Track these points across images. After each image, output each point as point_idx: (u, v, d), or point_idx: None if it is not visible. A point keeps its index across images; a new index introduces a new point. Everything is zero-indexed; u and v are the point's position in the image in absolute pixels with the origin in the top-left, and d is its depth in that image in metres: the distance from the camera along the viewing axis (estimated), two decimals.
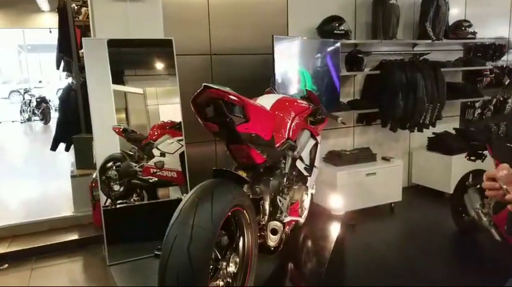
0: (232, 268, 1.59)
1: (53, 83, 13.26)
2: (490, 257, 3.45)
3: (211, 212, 1.42)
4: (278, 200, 1.95)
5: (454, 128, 4.74)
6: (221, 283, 1.60)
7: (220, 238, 1.62)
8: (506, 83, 5.19)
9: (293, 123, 2.21)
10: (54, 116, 12.00)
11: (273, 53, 3.25)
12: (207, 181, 1.61)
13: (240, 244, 1.74)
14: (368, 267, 3.23)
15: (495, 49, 5.12)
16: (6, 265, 3.38)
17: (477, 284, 2.91)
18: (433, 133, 4.81)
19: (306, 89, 2.82)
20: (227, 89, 1.58)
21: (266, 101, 2.16)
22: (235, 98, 1.59)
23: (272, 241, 1.89)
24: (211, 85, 1.53)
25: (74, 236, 3.77)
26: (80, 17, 4.97)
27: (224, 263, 1.57)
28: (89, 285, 3.09)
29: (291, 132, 2.17)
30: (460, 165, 4.21)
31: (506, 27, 5.45)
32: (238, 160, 1.90)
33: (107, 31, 3.43)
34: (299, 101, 2.49)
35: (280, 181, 2.03)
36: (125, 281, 2.99)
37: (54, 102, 13.11)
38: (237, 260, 1.64)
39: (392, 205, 4.41)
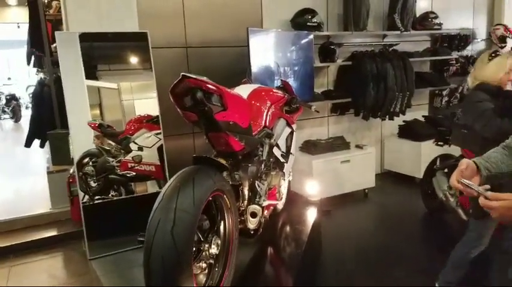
0: (214, 250, 1.66)
1: (22, 80, 12.89)
2: (457, 235, 3.63)
3: (193, 196, 1.47)
4: (257, 186, 2.03)
5: (423, 116, 4.96)
6: (204, 265, 1.67)
7: (202, 222, 1.68)
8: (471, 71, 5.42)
9: (269, 112, 2.29)
10: (25, 114, 11.71)
11: (248, 45, 3.31)
12: (188, 167, 1.66)
13: (221, 227, 1.80)
14: (343, 248, 3.39)
15: (460, 39, 5.35)
16: None
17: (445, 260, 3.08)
18: (404, 121, 5.00)
19: (281, 80, 2.90)
20: (205, 79, 1.63)
21: (243, 91, 2.22)
22: (213, 87, 1.64)
23: (252, 223, 1.96)
24: (189, 75, 1.58)
25: (52, 233, 3.75)
26: (51, 11, 4.89)
27: (206, 245, 1.64)
28: (71, 279, 3.10)
29: (267, 121, 2.25)
30: (429, 150, 4.40)
31: (470, 18, 5.68)
32: (217, 147, 1.95)
33: (79, 25, 3.41)
34: (274, 90, 2.57)
35: (258, 167, 2.10)
36: (107, 274, 3.02)
37: (24, 99, 12.77)
38: (219, 242, 1.71)
39: (366, 190, 4.59)
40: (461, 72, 5.47)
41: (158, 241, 1.39)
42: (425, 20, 5.00)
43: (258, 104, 2.23)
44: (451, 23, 5.40)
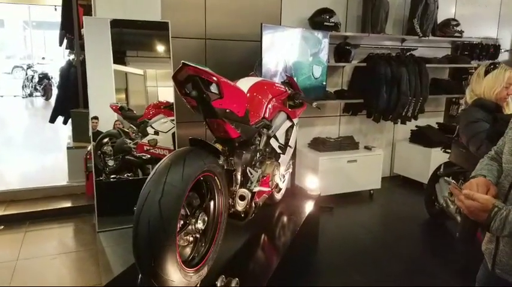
0: (200, 225, 1.81)
1: (56, 60, 13.41)
2: (454, 241, 3.69)
3: (182, 173, 1.62)
4: (248, 172, 2.16)
5: (437, 123, 4.97)
6: (190, 239, 1.83)
7: (192, 199, 1.83)
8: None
9: (269, 105, 2.41)
10: (56, 92, 12.15)
11: (260, 40, 3.43)
12: (182, 147, 1.82)
13: (211, 206, 1.95)
14: (337, 242, 3.53)
15: (482, 48, 5.30)
16: (2, 227, 3.63)
17: (439, 266, 3.16)
18: (416, 126, 5.02)
19: (286, 75, 3.02)
20: (204, 68, 1.77)
21: (246, 82, 2.36)
22: (210, 76, 1.78)
23: (240, 206, 2.10)
24: (189, 63, 1.72)
25: (67, 204, 4.01)
26: None
27: (193, 220, 1.79)
28: (78, 248, 3.32)
29: (267, 113, 2.37)
30: (438, 157, 4.41)
31: (494, 28, 5.62)
32: (215, 133, 2.10)
33: (106, 11, 3.60)
34: (277, 84, 2.69)
35: (253, 155, 2.24)
36: (112, 245, 3.24)
37: (57, 79, 13.27)
38: (205, 218, 1.85)
39: (372, 191, 4.65)
40: None
41: (146, 209, 1.55)
42: (447, 27, 4.98)
43: (259, 97, 2.35)
44: (474, 31, 5.36)
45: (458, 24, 5.02)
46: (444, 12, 5.09)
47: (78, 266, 3.04)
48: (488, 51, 5.33)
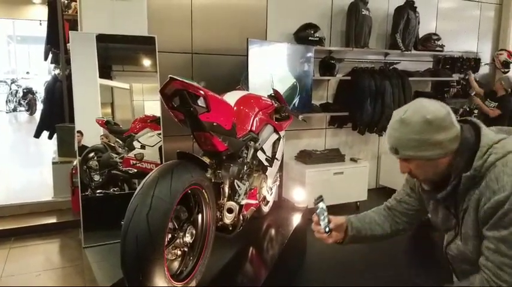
0: (188, 239, 1.81)
1: (41, 75, 13.29)
2: (437, 250, 3.73)
3: (170, 186, 1.63)
4: (236, 185, 2.18)
5: None
6: (178, 252, 1.83)
7: (180, 213, 1.84)
8: (472, 94, 5.51)
9: (256, 118, 2.45)
10: (40, 107, 12.01)
11: (247, 55, 3.48)
12: (170, 161, 1.83)
13: (199, 219, 1.95)
14: (327, 255, 3.49)
15: (463, 62, 5.45)
16: None
17: (426, 274, 3.19)
18: None
19: (273, 89, 3.06)
20: (191, 82, 1.80)
21: (232, 96, 2.40)
22: (197, 89, 1.81)
23: (228, 219, 2.11)
24: (176, 77, 1.75)
25: (52, 220, 3.94)
26: (70, 11, 5.14)
27: (181, 234, 1.79)
28: (64, 264, 3.27)
29: (254, 126, 2.41)
30: None
31: (474, 42, 5.79)
32: (203, 147, 2.11)
33: (93, 26, 3.61)
34: (263, 98, 2.73)
35: (240, 168, 2.25)
36: (98, 261, 3.19)
37: (41, 94, 13.15)
38: (193, 231, 1.86)
39: (358, 203, 4.68)
40: (463, 94, 5.56)
41: (134, 223, 1.55)
42: (428, 41, 5.12)
43: (246, 110, 2.38)
44: (455, 45, 5.52)
45: (439, 39, 5.16)
46: (425, 27, 5.23)
47: (63, 282, 2.99)
48: (469, 64, 5.47)
